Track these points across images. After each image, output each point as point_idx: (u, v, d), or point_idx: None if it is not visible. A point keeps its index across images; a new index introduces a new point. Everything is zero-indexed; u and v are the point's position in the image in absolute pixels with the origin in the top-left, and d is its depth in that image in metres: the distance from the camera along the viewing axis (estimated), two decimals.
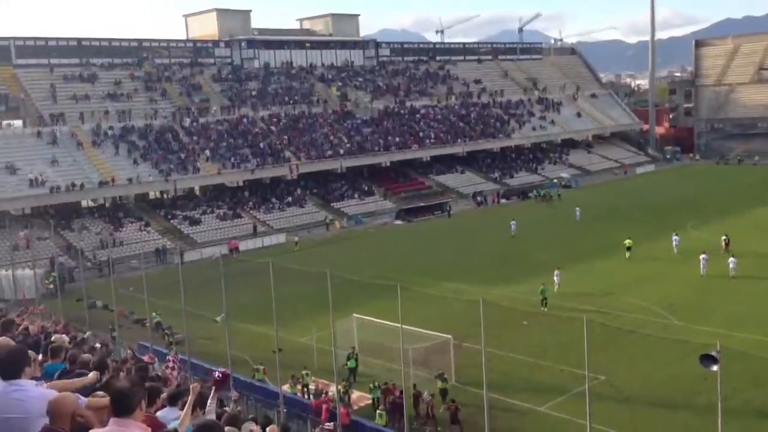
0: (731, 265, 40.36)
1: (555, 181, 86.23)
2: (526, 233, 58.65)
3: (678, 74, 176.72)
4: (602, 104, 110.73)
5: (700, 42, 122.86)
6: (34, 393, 5.60)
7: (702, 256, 41.60)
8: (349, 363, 29.52)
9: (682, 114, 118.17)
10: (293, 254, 54.38)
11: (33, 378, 6.16)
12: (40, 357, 9.12)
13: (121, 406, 4.92)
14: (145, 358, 21.09)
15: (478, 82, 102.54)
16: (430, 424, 25.64)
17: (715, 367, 16.46)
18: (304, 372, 28.90)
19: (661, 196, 71.29)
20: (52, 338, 11.95)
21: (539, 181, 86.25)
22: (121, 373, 10.97)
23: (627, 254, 47.13)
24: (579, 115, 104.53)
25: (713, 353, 16.55)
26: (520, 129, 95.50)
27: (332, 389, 27.43)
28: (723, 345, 16.98)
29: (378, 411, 25.14)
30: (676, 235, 47.87)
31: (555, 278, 40.28)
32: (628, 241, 47.63)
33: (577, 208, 63.66)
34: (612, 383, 27.19)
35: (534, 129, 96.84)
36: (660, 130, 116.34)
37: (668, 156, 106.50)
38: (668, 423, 24.01)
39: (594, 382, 23.92)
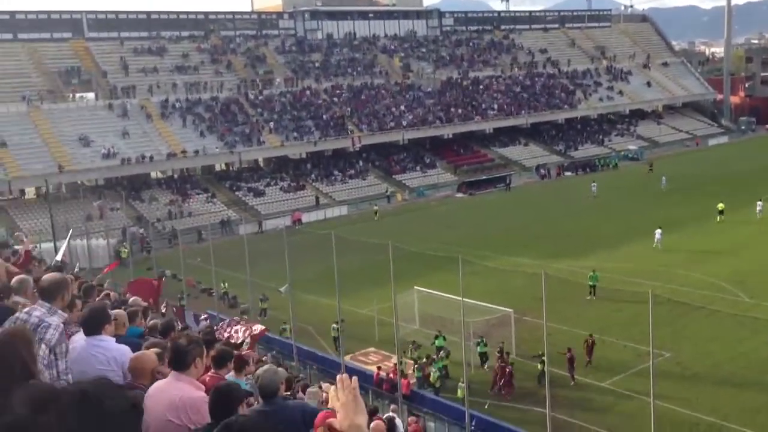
0: None
1: (623, 153, 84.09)
2: (590, 205, 57.55)
3: (755, 41, 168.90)
4: (674, 73, 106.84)
5: None
6: (115, 348, 6.00)
7: None
8: (437, 341, 29.10)
9: (758, 83, 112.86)
10: (356, 226, 54.82)
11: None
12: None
13: (178, 361, 5.23)
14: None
15: (543, 51, 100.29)
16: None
17: None
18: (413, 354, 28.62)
19: (735, 168, 68.64)
20: (129, 302, 12.40)
21: (605, 154, 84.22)
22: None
23: (719, 218, 48.41)
24: (649, 84, 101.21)
25: None
26: (586, 99, 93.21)
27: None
28: None
29: (460, 384, 24.84)
30: (761, 201, 47.88)
31: (656, 236, 42.39)
32: (720, 205, 48.87)
33: (664, 177, 62.66)
34: (678, 360, 26.68)
35: (601, 99, 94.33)
36: (735, 100, 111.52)
37: (743, 127, 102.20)
38: (735, 401, 23.47)
39: (659, 358, 23.53)
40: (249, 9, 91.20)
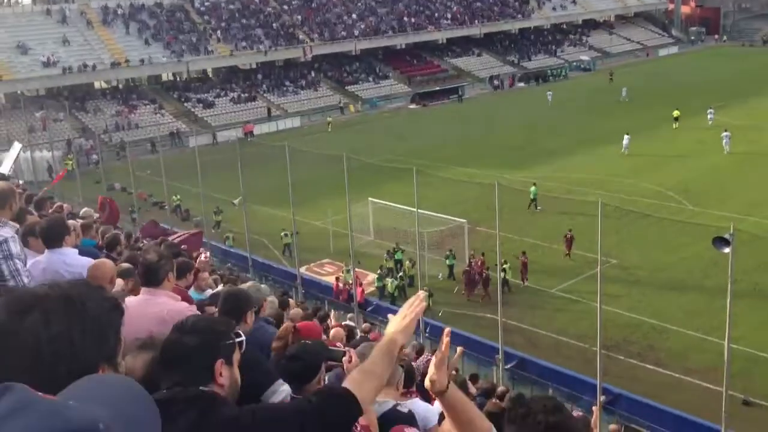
0: (724, 141, 43.23)
1: (575, 63, 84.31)
2: (539, 116, 57.94)
3: None
4: None
5: None
6: (78, 259, 5.98)
7: (724, 134, 43.59)
8: (396, 255, 29.26)
9: None
10: (309, 138, 54.25)
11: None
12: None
13: (151, 277, 5.19)
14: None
15: None
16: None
17: (726, 250, 16.63)
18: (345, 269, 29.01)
19: (687, 79, 69.43)
20: (81, 213, 12.14)
21: (557, 65, 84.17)
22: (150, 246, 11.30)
23: (675, 125, 50.41)
24: None
25: (726, 236, 16.68)
26: (540, 9, 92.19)
27: (369, 278, 28.05)
28: (736, 228, 17.10)
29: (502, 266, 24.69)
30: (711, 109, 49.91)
31: (624, 142, 44.19)
32: (676, 112, 50.74)
33: (624, 88, 63.05)
34: (623, 266, 27.68)
35: (554, 9, 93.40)
36: (686, 9, 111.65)
37: (693, 38, 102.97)
38: (677, 304, 24.62)
39: (605, 265, 24.36)
40: None
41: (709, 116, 50.73)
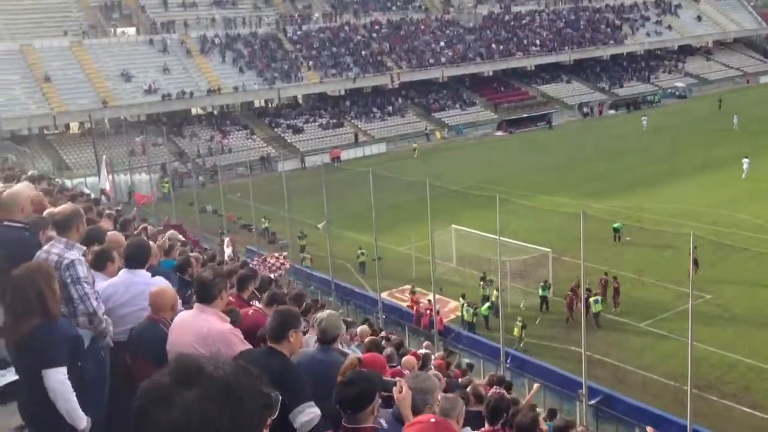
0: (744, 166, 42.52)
1: (670, 90, 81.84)
2: (632, 145, 56.39)
3: None
4: (725, 6, 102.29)
5: None
6: (147, 280, 6.17)
7: (744, 160, 42.65)
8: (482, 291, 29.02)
9: None
10: (395, 164, 54.69)
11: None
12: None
13: (203, 294, 5.38)
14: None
15: None
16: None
17: None
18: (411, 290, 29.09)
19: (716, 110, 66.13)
20: (167, 235, 12.61)
21: (651, 91, 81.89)
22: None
23: None
24: (699, 18, 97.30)
25: None
26: (633, 35, 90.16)
27: (451, 305, 27.94)
28: None
29: (593, 298, 24.85)
30: None
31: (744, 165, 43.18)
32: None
33: (735, 116, 59.72)
34: (718, 302, 26.41)
35: (648, 34, 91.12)
36: None
37: None
38: None
39: (699, 300, 23.32)
40: None
41: None
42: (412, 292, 28.88)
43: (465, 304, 27.02)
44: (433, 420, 4.13)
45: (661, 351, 23.66)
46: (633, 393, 21.08)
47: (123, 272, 6.25)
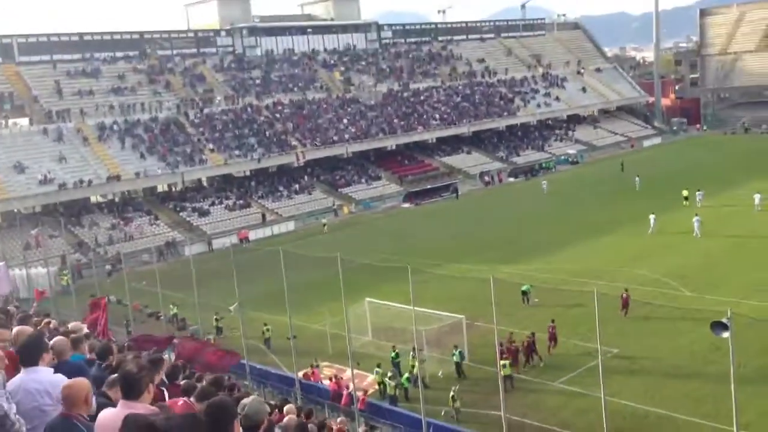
0: (695, 225, 44.49)
1: (563, 157, 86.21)
2: (534, 210, 58.66)
3: (683, 44, 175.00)
4: (607, 78, 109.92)
5: (704, 11, 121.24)
6: (47, 380, 5.85)
7: (695, 219, 44.77)
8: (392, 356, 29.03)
9: (688, 85, 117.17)
10: (304, 241, 54.59)
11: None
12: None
13: (130, 389, 5.14)
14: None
15: (481, 61, 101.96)
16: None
17: (725, 334, 16.49)
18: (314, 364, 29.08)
19: (667, 169, 70.86)
20: (70, 326, 12.04)
21: (546, 159, 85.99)
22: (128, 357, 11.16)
23: (685, 203, 52.77)
24: (584, 90, 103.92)
25: (724, 320, 16.58)
26: (525, 106, 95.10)
27: (369, 379, 27.70)
28: (734, 312, 17.02)
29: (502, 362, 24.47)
30: (697, 215, 46.54)
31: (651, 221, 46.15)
32: (685, 192, 53.54)
33: (637, 178, 63.22)
34: (625, 355, 27.32)
35: (539, 106, 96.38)
36: (666, 102, 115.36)
37: (675, 128, 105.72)
38: (681, 392, 24.12)
39: (607, 355, 24.09)
40: (185, 27, 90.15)
41: (698, 198, 52.70)
42: (315, 366, 28.70)
43: (387, 377, 26.82)
44: None
45: (577, 407, 24.12)
46: None
47: (22, 371, 5.97)
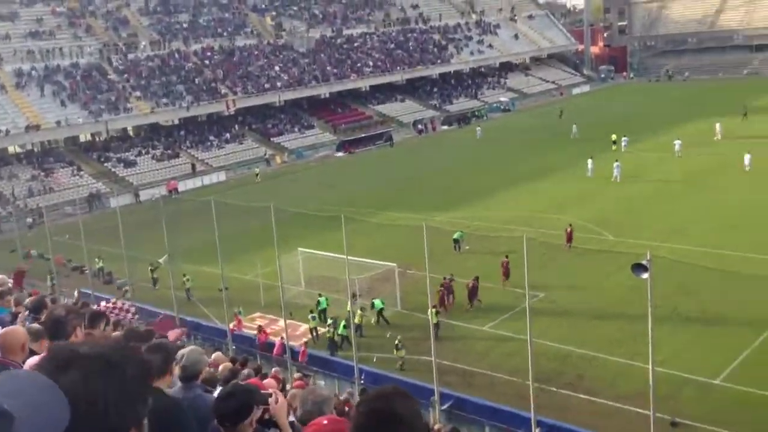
0: (616, 170, 45.89)
1: (495, 105, 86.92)
2: (467, 157, 59.26)
3: None
4: (539, 25, 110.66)
5: None
6: None
7: (615, 164, 46.25)
8: (321, 302, 29.17)
9: (616, 33, 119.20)
10: (236, 191, 53.83)
11: None
12: None
13: (57, 332, 5.18)
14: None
15: (415, 6, 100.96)
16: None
17: (645, 275, 17.14)
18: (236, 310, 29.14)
19: (596, 116, 72.40)
20: None
21: (478, 107, 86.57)
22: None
23: (614, 147, 54.28)
24: (516, 37, 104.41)
25: (643, 262, 17.22)
26: (458, 54, 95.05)
27: (302, 329, 27.85)
28: (653, 255, 17.70)
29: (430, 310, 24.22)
30: (617, 160, 48.33)
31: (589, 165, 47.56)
32: (613, 136, 55.51)
33: (574, 125, 63.56)
34: (551, 299, 28.23)
35: (472, 54, 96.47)
36: (595, 49, 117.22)
37: (603, 75, 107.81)
38: (603, 332, 25.16)
39: (534, 299, 24.79)
40: None
41: (623, 144, 54.54)
42: (238, 313, 29.03)
43: (328, 324, 26.95)
44: (325, 422, 4.24)
45: (505, 350, 24.91)
46: (481, 393, 22.03)
47: None
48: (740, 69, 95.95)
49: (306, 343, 26.36)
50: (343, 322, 27.33)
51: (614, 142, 55.23)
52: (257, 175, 60.16)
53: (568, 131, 63.14)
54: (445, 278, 28.95)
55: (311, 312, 28.18)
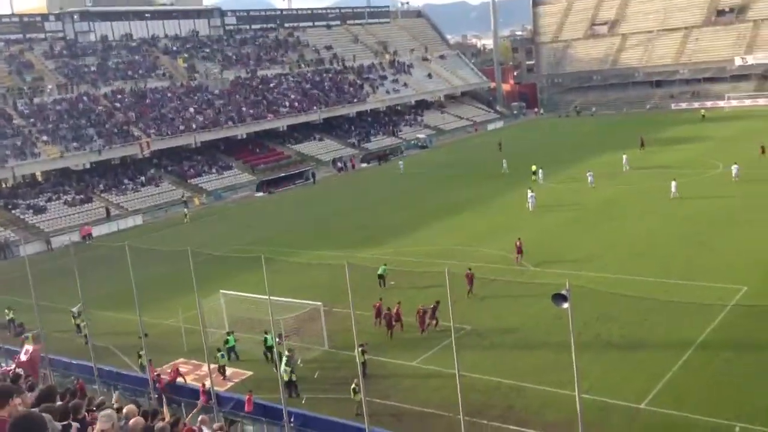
0: (530, 200, 47.61)
1: (413, 142, 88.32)
2: (388, 194, 59.76)
3: (519, 33, 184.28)
4: (451, 65, 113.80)
5: (536, 1, 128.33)
6: None
7: (530, 194, 47.84)
8: (229, 341, 28.85)
9: (525, 71, 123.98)
10: (155, 235, 52.36)
11: None
12: None
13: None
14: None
15: (329, 48, 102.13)
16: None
17: (565, 305, 17.46)
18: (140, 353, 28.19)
19: (513, 150, 74.52)
20: None
21: (397, 143, 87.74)
22: None
23: (534, 177, 55.81)
24: (430, 76, 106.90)
25: (563, 292, 17.57)
26: (374, 93, 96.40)
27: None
28: (572, 284, 18.12)
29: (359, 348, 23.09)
30: (531, 191, 49.82)
31: (529, 200, 47.59)
32: (533, 167, 57.09)
33: (504, 161, 63.23)
34: (477, 331, 28.50)
35: (388, 92, 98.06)
36: (506, 87, 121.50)
37: (515, 112, 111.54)
38: (528, 363, 25.51)
39: (461, 332, 25.01)
40: (9, 11, 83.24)
41: (540, 175, 56.41)
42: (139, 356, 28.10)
43: (284, 365, 26.04)
44: None
45: (433, 385, 24.88)
46: (412, 430, 21.89)
47: None
48: (643, 104, 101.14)
49: (251, 391, 25.20)
50: (284, 362, 26.49)
51: (534, 173, 57.05)
52: (186, 215, 59.00)
53: (488, 165, 64.74)
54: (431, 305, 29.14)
55: (219, 350, 27.51)
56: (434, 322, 29.02)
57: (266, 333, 28.52)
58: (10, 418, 5.76)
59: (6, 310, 34.46)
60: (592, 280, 30.97)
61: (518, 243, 36.39)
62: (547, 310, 25.73)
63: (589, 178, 52.87)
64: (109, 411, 11.11)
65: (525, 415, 22.08)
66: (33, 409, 7.26)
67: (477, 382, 23.89)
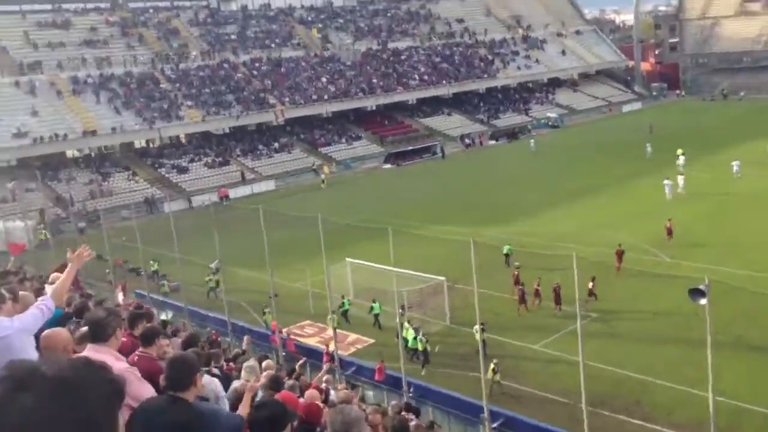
0: (666, 189, 45.36)
1: (543, 120, 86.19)
2: (516, 173, 58.86)
3: (663, 8, 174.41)
4: (587, 41, 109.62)
5: None
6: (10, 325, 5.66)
7: (666, 182, 45.60)
8: (344, 304, 29.79)
9: (667, 50, 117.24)
10: (286, 200, 54.36)
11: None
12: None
13: (97, 333, 5.25)
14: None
15: (460, 21, 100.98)
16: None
17: (703, 301, 16.71)
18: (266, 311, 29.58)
19: (660, 132, 70.89)
20: (50, 279, 11.93)
21: (527, 122, 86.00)
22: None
23: (677, 162, 51.80)
24: (564, 53, 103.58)
25: (701, 287, 16.79)
26: (505, 69, 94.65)
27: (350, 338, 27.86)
28: (711, 279, 17.25)
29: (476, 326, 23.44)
30: (668, 179, 47.06)
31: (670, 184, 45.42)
32: (679, 151, 53.18)
33: (648, 144, 60.68)
34: (604, 320, 27.75)
35: (519, 68, 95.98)
36: (646, 66, 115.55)
37: (654, 93, 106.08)
38: (660, 357, 24.54)
39: (586, 319, 24.42)
40: None
41: (680, 161, 52.31)
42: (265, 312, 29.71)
43: (416, 333, 26.53)
44: None
45: (555, 371, 24.51)
46: (531, 413, 21.71)
47: None
48: None
49: (382, 360, 25.58)
50: (413, 334, 26.73)
51: (678, 157, 52.94)
52: (323, 181, 61.51)
53: (628, 148, 61.97)
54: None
55: (332, 312, 27.92)
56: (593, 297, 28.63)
57: (374, 301, 29.09)
58: (167, 357, 6.27)
59: (151, 262, 36.99)
60: (733, 277, 29.29)
61: (668, 224, 36.18)
62: (682, 305, 24.63)
63: (735, 168, 49.62)
64: (252, 362, 11.79)
65: (652, 412, 21.32)
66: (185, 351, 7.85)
67: (602, 373, 23.25)
